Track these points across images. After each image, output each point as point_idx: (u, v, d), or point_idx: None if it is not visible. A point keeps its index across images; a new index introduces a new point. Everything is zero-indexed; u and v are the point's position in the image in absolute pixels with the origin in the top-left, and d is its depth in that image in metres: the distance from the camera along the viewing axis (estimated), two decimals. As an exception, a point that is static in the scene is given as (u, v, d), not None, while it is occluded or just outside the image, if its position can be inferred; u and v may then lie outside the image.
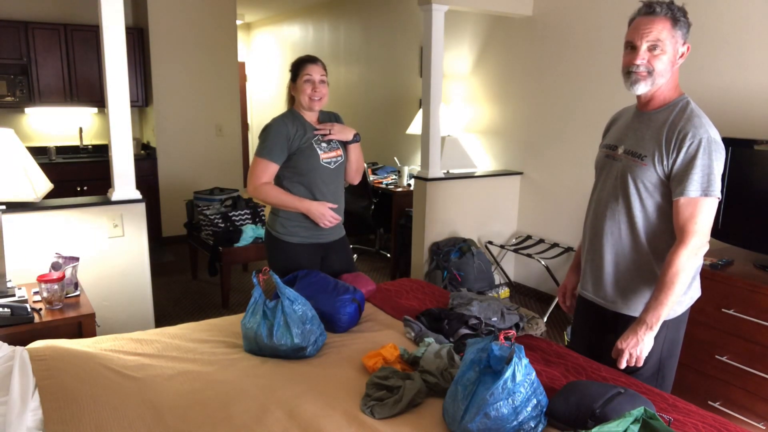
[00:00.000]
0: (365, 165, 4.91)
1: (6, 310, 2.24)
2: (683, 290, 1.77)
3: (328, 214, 2.48)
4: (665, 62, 1.77)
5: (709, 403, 2.70)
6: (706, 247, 1.76)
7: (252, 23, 8.95)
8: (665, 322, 1.82)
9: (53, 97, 5.37)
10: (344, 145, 2.61)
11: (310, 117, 2.53)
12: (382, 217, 5.15)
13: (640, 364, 1.81)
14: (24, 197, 2.30)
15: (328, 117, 2.63)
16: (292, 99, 2.55)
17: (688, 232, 1.72)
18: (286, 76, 2.56)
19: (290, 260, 2.52)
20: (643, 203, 1.84)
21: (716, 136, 1.75)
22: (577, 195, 4.11)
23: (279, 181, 2.52)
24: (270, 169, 2.44)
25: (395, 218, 4.87)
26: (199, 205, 4.66)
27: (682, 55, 1.79)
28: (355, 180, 2.71)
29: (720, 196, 1.74)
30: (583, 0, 3.93)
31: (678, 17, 1.75)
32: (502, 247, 4.42)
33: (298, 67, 2.48)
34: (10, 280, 2.52)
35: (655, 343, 1.81)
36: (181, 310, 4.20)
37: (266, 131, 2.46)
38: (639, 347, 1.78)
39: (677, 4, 1.77)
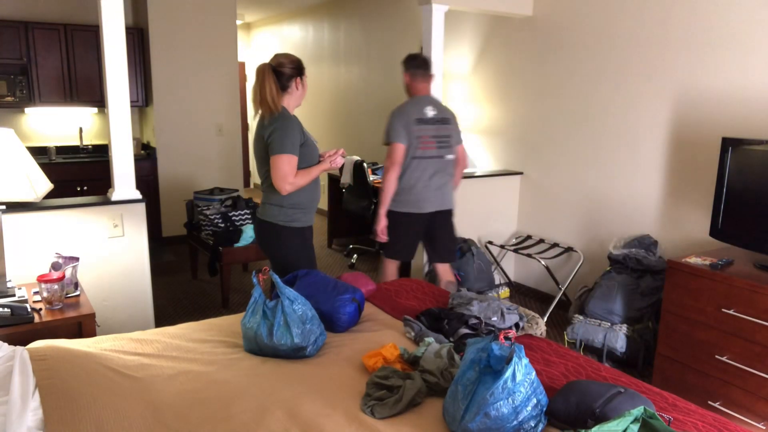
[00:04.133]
0: (365, 164, 4.94)
1: (6, 310, 2.25)
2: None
3: (336, 157, 2.72)
4: None
5: (709, 403, 2.70)
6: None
7: (252, 23, 8.95)
8: None
9: (53, 97, 5.37)
10: None
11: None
12: (382, 217, 5.14)
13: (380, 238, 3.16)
14: (24, 197, 2.31)
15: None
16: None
17: None
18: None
19: (306, 241, 2.73)
20: None
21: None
22: (577, 195, 4.11)
23: None
24: (295, 163, 2.59)
25: (395, 218, 4.86)
26: (199, 205, 4.66)
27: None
28: None
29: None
30: (583, 0, 3.93)
31: None
32: (502, 247, 4.42)
33: (302, 67, 2.69)
34: (10, 280, 2.52)
35: None
36: (181, 310, 4.20)
37: (284, 129, 2.54)
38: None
39: None
